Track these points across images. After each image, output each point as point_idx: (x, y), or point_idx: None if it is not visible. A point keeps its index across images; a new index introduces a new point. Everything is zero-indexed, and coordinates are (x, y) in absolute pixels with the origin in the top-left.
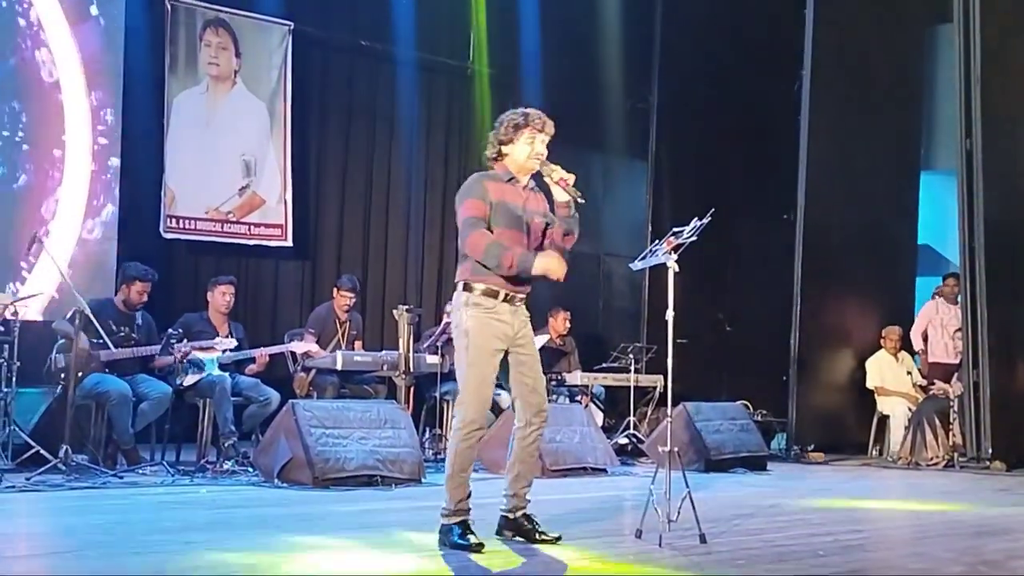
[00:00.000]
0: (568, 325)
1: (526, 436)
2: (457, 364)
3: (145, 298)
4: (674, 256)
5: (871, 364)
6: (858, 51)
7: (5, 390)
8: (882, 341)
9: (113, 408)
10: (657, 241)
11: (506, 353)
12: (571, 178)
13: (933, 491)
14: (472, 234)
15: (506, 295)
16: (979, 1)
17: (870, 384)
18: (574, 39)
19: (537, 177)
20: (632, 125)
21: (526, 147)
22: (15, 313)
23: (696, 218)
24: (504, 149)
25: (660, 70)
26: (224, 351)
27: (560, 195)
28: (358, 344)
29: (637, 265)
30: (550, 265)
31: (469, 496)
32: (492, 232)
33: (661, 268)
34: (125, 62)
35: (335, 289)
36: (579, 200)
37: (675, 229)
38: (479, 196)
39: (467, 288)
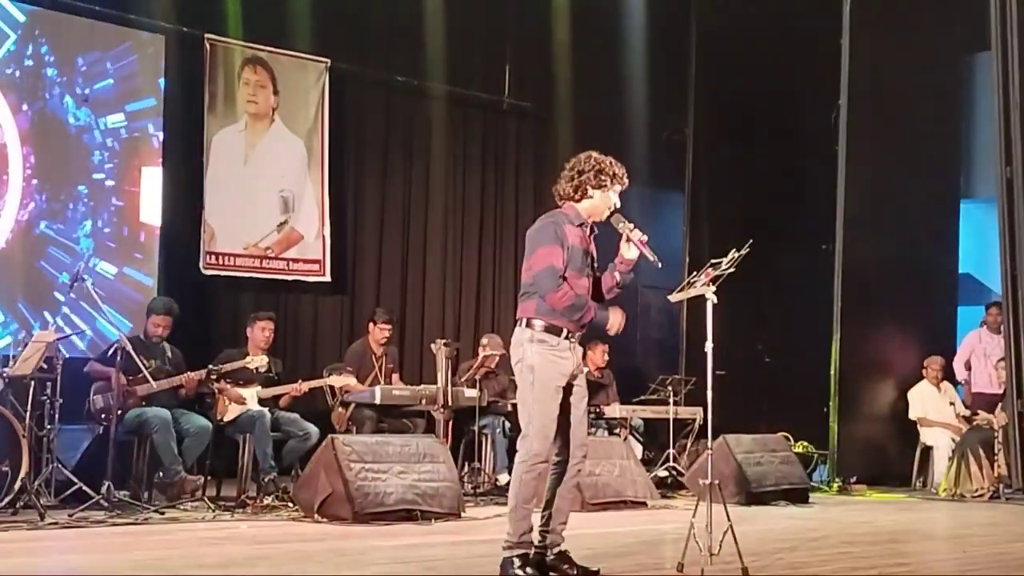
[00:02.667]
0: (607, 358)
1: (569, 469)
2: (521, 399)
3: (161, 331)
4: (712, 288)
5: (913, 395)
6: (896, 79)
7: (48, 427)
8: (924, 371)
9: (156, 435)
10: (695, 272)
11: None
12: (645, 238)
13: (978, 523)
14: (560, 289)
15: (567, 333)
16: (1017, 28)
17: (912, 415)
18: (608, 71)
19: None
20: (668, 156)
21: (611, 198)
22: (57, 350)
23: (734, 249)
24: (591, 192)
25: (695, 101)
26: (256, 369)
27: (629, 253)
28: (395, 377)
29: (675, 297)
30: (616, 322)
31: (531, 529)
32: (569, 277)
33: (699, 299)
34: (164, 101)
35: (371, 323)
36: (657, 265)
37: (713, 261)
38: (559, 242)
39: (530, 325)
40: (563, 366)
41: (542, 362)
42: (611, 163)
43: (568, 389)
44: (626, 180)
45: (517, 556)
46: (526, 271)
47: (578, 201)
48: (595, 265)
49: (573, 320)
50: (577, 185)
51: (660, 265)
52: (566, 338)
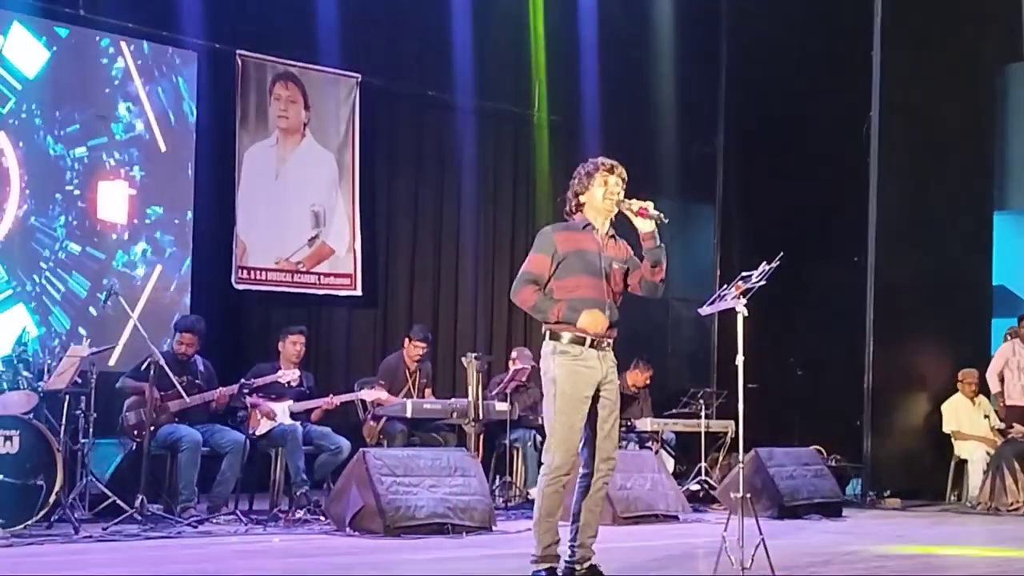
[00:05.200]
0: (648, 382)
1: (594, 483)
2: (545, 411)
3: (184, 348)
4: (743, 301)
5: (947, 408)
6: (927, 90)
7: (82, 441)
8: (959, 385)
9: (183, 455)
10: (725, 286)
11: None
12: (649, 204)
13: (1014, 537)
14: (522, 290)
15: (592, 341)
16: None
17: (947, 428)
18: (638, 84)
19: (618, 227)
20: (698, 169)
21: (600, 188)
22: (92, 364)
23: (765, 262)
24: (581, 199)
25: (725, 113)
26: (288, 383)
27: (643, 226)
28: (428, 392)
29: (705, 310)
30: (587, 322)
31: (557, 542)
32: (568, 280)
33: (730, 312)
34: (196, 116)
35: (407, 339)
36: (664, 220)
37: (743, 274)
38: (544, 251)
39: (554, 337)
40: (588, 376)
41: (564, 374)
42: (587, 163)
43: (595, 399)
44: (615, 168)
45: (544, 570)
46: None
47: (579, 211)
48: (628, 267)
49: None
50: (569, 199)
51: (667, 219)
52: (591, 346)
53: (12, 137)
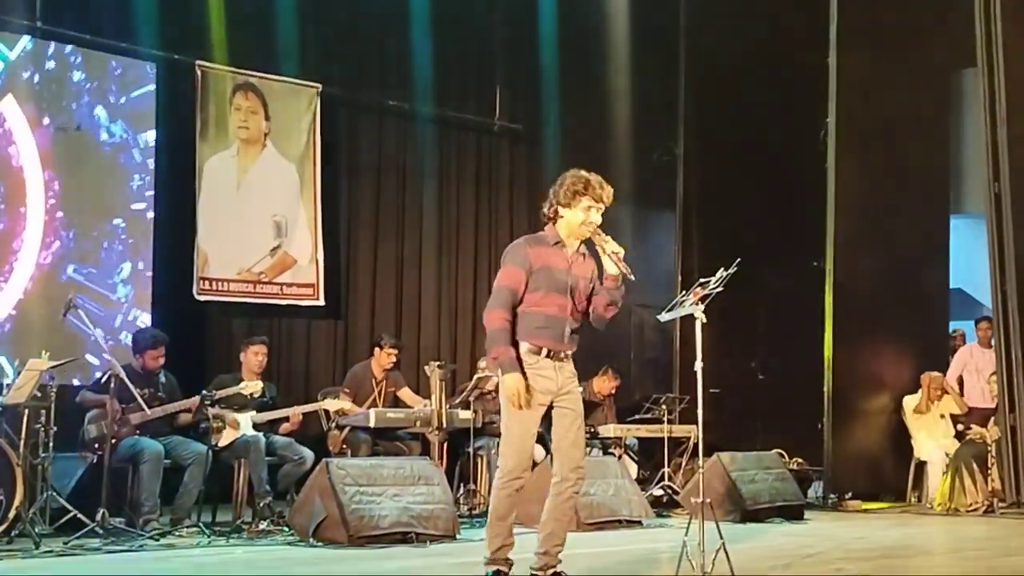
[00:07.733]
0: (613, 392)
1: (562, 492)
2: (502, 416)
3: (158, 361)
4: (701, 307)
5: (908, 401)
6: (883, 96)
7: (42, 455)
8: (922, 388)
9: (144, 467)
10: (684, 292)
11: (550, 406)
12: (621, 252)
13: (973, 538)
14: (495, 310)
15: (549, 352)
16: (1003, 45)
17: (910, 414)
18: (599, 93)
19: (589, 243)
20: (659, 176)
21: (580, 214)
22: (52, 378)
23: (722, 268)
24: (561, 211)
25: (686, 120)
26: (251, 395)
27: (610, 268)
28: (406, 392)
29: (665, 317)
30: (510, 389)
31: (510, 545)
32: (535, 295)
33: (691, 318)
34: (156, 127)
35: (378, 348)
36: (630, 277)
37: (701, 280)
38: (519, 264)
39: (512, 346)
40: (543, 384)
41: None
42: (580, 179)
43: (553, 409)
44: (603, 195)
45: (494, 571)
46: None
47: (555, 222)
48: (593, 285)
49: (550, 338)
50: (550, 203)
51: (633, 277)
52: (548, 356)
53: (31, 107)
